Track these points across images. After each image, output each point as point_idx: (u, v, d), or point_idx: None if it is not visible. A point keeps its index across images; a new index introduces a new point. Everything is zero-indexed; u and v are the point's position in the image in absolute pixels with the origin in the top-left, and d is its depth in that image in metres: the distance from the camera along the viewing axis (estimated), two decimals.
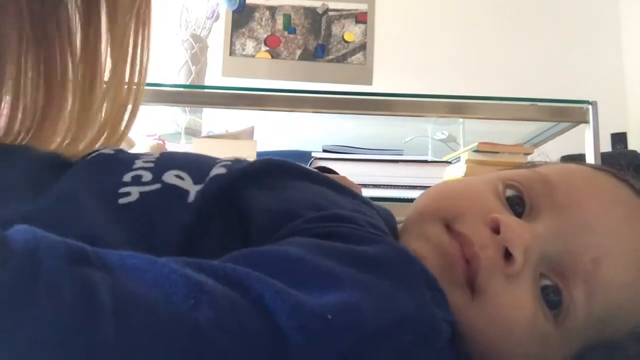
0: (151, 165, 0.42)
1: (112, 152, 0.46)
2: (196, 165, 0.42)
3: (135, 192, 0.39)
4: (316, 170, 0.51)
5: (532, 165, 0.49)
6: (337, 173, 0.54)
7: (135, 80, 0.52)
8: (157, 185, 0.40)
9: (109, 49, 0.49)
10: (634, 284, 0.39)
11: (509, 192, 0.42)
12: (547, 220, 0.40)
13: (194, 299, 0.24)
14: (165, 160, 0.43)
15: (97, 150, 0.47)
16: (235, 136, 1.40)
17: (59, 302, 0.20)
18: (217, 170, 0.40)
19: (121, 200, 0.38)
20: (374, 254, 0.32)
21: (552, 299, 0.38)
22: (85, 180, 0.40)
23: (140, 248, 0.34)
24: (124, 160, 0.43)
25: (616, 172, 0.45)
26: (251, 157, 0.43)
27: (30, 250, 0.21)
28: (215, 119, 1.59)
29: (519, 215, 0.41)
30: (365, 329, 0.28)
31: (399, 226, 0.45)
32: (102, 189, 0.39)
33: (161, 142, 1.46)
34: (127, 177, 0.40)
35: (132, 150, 1.08)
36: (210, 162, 0.43)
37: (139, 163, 0.42)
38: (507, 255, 0.38)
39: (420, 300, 0.32)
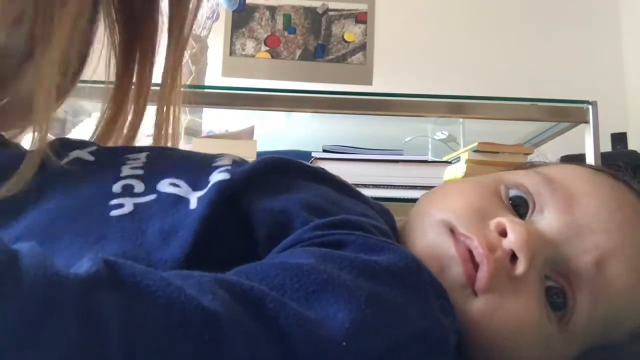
0: (140, 172, 0.41)
1: (92, 158, 0.44)
2: (190, 170, 0.41)
3: (128, 203, 0.37)
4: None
5: (532, 165, 0.49)
6: None
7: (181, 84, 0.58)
8: (153, 196, 0.38)
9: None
10: (637, 285, 0.39)
11: (512, 194, 0.42)
12: (550, 221, 0.40)
13: (208, 334, 0.24)
14: (155, 166, 0.42)
15: (69, 148, 0.44)
16: (235, 136, 1.40)
17: (66, 346, 0.20)
18: (220, 176, 0.39)
19: (114, 212, 0.37)
20: (384, 265, 0.32)
21: (555, 300, 0.38)
22: (70, 197, 0.38)
23: (140, 259, 0.33)
24: (108, 168, 0.41)
25: (615, 173, 0.45)
26: (251, 157, 0.43)
27: (40, 289, 0.21)
28: (215, 119, 1.59)
29: (522, 216, 0.41)
30: (378, 349, 0.28)
31: (399, 225, 0.45)
32: (89, 205, 0.38)
33: None
34: (117, 188, 0.39)
35: None
36: (205, 164, 0.42)
37: (126, 170, 0.41)
38: (513, 257, 0.38)
39: (430, 312, 0.32)
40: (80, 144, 0.45)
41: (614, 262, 0.39)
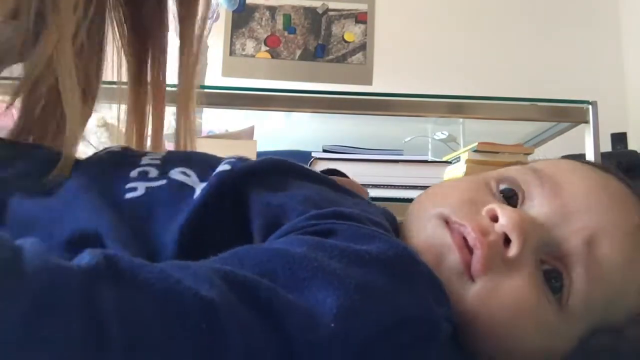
0: (157, 162, 0.44)
1: (120, 149, 0.49)
2: (202, 163, 0.44)
3: (141, 187, 0.41)
4: (323, 172, 0.51)
5: (520, 163, 0.50)
6: (346, 175, 0.54)
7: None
8: (163, 181, 0.41)
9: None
10: (630, 263, 0.40)
11: (502, 187, 0.43)
12: (540, 208, 0.41)
13: (206, 323, 0.25)
14: (172, 158, 0.45)
15: (106, 148, 0.49)
16: (235, 136, 1.40)
17: (67, 339, 0.21)
18: (222, 168, 0.42)
19: (128, 195, 0.40)
20: (374, 254, 0.33)
21: (554, 284, 0.39)
22: (93, 177, 0.42)
23: (145, 242, 0.36)
24: (131, 157, 0.46)
25: (600, 164, 0.47)
26: (251, 157, 0.44)
27: (42, 283, 0.21)
28: (215, 119, 1.59)
29: (513, 206, 0.42)
30: (367, 334, 0.29)
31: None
32: (109, 186, 0.41)
33: None
34: (134, 173, 0.43)
35: None
36: (216, 160, 0.44)
37: (145, 160, 0.45)
38: (506, 242, 0.39)
39: (420, 299, 0.33)
40: (110, 146, 0.51)
41: (603, 241, 0.40)
